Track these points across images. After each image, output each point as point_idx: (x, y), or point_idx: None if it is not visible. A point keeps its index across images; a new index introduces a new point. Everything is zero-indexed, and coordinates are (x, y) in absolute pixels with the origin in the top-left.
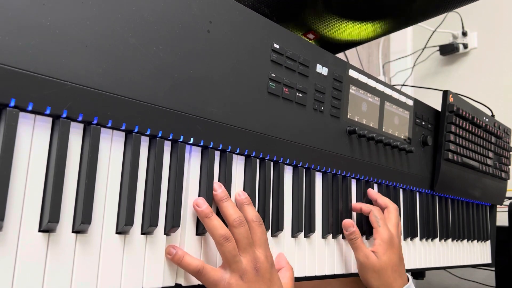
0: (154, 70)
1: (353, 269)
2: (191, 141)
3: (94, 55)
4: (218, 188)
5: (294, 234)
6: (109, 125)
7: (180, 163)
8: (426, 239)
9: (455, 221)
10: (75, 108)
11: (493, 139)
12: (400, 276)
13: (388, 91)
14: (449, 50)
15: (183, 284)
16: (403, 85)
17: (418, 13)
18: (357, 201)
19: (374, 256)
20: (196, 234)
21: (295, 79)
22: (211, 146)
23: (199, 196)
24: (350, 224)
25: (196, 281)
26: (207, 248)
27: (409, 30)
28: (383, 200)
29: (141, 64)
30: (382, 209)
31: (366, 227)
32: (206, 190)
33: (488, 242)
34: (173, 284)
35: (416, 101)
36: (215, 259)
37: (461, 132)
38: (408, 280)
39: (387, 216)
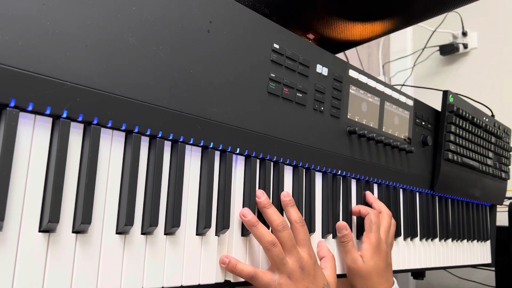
0: (154, 70)
1: None
2: (191, 141)
3: (94, 55)
4: (262, 195)
5: None
6: (109, 125)
7: (180, 163)
8: (426, 239)
9: (455, 221)
10: (75, 108)
11: (493, 139)
12: (387, 281)
13: (388, 91)
14: (449, 50)
15: (184, 284)
16: (403, 85)
17: (418, 13)
18: (357, 202)
19: (361, 261)
20: (196, 234)
21: (295, 79)
22: (211, 146)
23: (199, 196)
24: (343, 226)
25: (196, 281)
26: (206, 246)
27: (409, 30)
28: (378, 204)
29: (141, 64)
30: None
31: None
32: (206, 191)
33: (488, 242)
34: (174, 285)
35: (416, 101)
36: (215, 258)
37: (461, 132)
38: (394, 283)
39: (380, 221)
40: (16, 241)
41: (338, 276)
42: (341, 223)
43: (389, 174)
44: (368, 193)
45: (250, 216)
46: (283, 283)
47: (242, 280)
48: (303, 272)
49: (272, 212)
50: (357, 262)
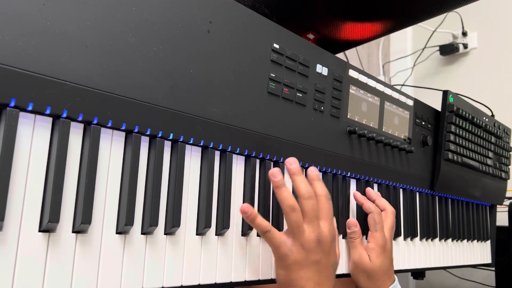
0: (154, 70)
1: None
2: (191, 141)
3: (94, 55)
4: (294, 163)
5: None
6: (109, 125)
7: (180, 163)
8: (426, 239)
9: (455, 221)
10: (75, 108)
11: (493, 139)
12: (389, 278)
13: (388, 91)
14: (449, 50)
15: (184, 284)
16: (403, 85)
17: (418, 13)
18: (356, 202)
19: (367, 258)
20: (196, 234)
21: (295, 79)
22: (211, 146)
23: (199, 196)
24: (354, 223)
25: (196, 282)
26: (207, 246)
27: (409, 30)
28: (382, 202)
29: (141, 64)
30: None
31: (364, 227)
32: (206, 191)
33: (488, 242)
34: (174, 285)
35: (416, 101)
36: (214, 258)
37: (461, 132)
38: (395, 280)
39: (384, 219)
40: (16, 241)
41: (342, 276)
42: (352, 220)
43: (389, 174)
44: (369, 189)
45: (279, 177)
46: (294, 250)
47: (242, 280)
48: (318, 245)
49: (301, 180)
50: (363, 258)
